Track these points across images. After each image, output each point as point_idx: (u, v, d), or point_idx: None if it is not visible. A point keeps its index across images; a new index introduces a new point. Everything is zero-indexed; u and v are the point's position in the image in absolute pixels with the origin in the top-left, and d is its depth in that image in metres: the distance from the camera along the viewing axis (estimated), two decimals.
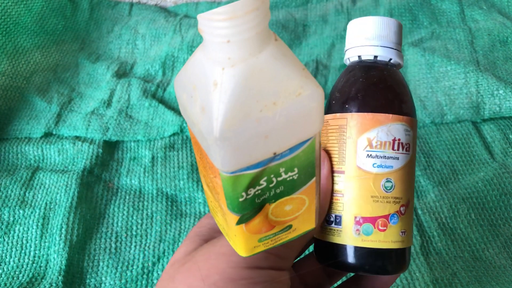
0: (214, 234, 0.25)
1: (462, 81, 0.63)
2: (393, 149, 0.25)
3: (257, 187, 0.18)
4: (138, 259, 0.51)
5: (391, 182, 0.25)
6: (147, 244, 0.52)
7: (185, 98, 0.18)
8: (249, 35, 0.15)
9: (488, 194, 0.51)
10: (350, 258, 0.25)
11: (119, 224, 0.54)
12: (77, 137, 0.64)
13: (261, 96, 0.16)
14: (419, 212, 0.51)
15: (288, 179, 0.19)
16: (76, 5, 0.83)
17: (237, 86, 0.15)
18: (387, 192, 0.25)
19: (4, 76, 0.69)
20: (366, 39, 0.27)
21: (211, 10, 0.15)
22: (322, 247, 0.27)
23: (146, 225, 0.54)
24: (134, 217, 0.55)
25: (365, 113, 0.25)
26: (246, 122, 0.16)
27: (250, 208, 0.19)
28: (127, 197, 0.57)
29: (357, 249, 0.25)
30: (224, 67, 0.16)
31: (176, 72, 0.74)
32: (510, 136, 0.58)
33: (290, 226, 0.21)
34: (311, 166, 0.19)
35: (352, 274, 0.32)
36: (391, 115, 0.25)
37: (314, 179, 0.20)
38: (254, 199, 0.19)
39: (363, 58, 0.27)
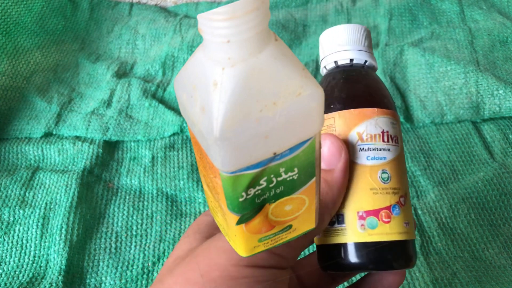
0: (213, 231, 0.24)
1: (462, 81, 0.63)
2: (383, 141, 0.25)
3: (257, 187, 0.18)
4: (138, 259, 0.51)
5: (387, 173, 0.25)
6: (147, 244, 0.52)
7: (185, 98, 0.18)
8: (249, 35, 0.15)
9: (488, 194, 0.51)
10: (358, 256, 0.24)
11: (119, 224, 0.54)
12: (77, 137, 0.64)
13: (261, 96, 0.16)
14: (419, 212, 0.51)
15: (288, 179, 0.19)
16: (76, 5, 0.83)
17: (237, 86, 0.15)
18: (384, 183, 0.25)
19: (4, 76, 0.69)
20: (339, 45, 0.28)
21: (211, 10, 0.15)
22: (326, 252, 0.26)
23: (146, 225, 0.54)
24: (134, 217, 0.55)
25: (352, 109, 0.26)
26: (246, 122, 0.16)
27: (250, 208, 0.19)
28: (127, 197, 0.57)
29: (365, 245, 0.24)
30: (224, 67, 0.16)
31: (176, 72, 0.74)
32: (510, 136, 0.58)
33: (290, 226, 0.21)
34: (311, 166, 0.19)
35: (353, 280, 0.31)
36: (376, 109, 0.26)
37: (314, 179, 0.20)
38: (254, 199, 0.19)
39: (339, 63, 0.28)
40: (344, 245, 0.25)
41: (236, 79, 0.15)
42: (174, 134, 0.64)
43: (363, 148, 0.25)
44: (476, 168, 0.55)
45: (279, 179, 0.18)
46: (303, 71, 0.17)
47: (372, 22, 0.76)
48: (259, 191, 0.18)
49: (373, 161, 0.25)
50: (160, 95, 0.70)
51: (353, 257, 0.25)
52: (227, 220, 0.20)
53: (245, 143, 0.16)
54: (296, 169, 0.18)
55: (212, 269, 0.21)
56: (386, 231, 0.24)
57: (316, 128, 0.18)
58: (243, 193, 0.18)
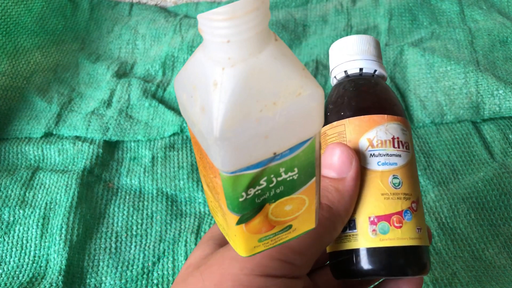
0: (226, 239, 0.24)
1: (462, 81, 0.63)
2: (393, 146, 0.26)
3: (257, 187, 0.18)
4: (138, 259, 0.51)
5: (398, 178, 0.25)
6: (147, 244, 0.52)
7: (185, 98, 0.18)
8: (249, 35, 0.15)
9: (488, 194, 0.51)
10: (370, 261, 0.24)
11: (119, 224, 0.54)
12: (77, 137, 0.64)
13: (261, 96, 0.16)
14: None
15: (288, 179, 0.19)
16: (76, 5, 0.83)
17: (237, 86, 0.15)
18: (396, 188, 0.25)
19: (4, 76, 0.69)
20: (349, 55, 0.28)
21: (211, 10, 0.15)
22: (337, 259, 0.26)
23: (146, 225, 0.54)
24: (134, 217, 0.55)
25: (362, 116, 0.26)
26: (246, 122, 0.16)
27: (250, 208, 0.19)
28: (127, 197, 0.57)
29: (376, 250, 0.24)
30: (224, 67, 0.16)
31: (176, 72, 0.74)
32: (510, 136, 0.58)
33: (290, 226, 0.21)
34: (311, 166, 0.19)
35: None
36: (386, 115, 0.26)
37: (314, 179, 0.20)
38: (254, 199, 0.19)
39: (349, 72, 0.28)
40: (355, 251, 0.25)
41: (236, 79, 0.15)
42: (174, 134, 0.64)
43: (373, 154, 0.25)
44: (476, 168, 0.55)
45: (279, 179, 0.18)
46: (303, 71, 0.17)
47: (372, 22, 0.76)
48: (259, 191, 0.18)
49: (383, 166, 0.25)
50: (160, 95, 0.70)
51: (364, 263, 0.24)
52: (227, 220, 0.20)
53: (245, 143, 0.16)
54: (296, 169, 0.18)
55: (225, 279, 0.21)
56: (398, 236, 0.24)
57: (316, 128, 0.18)
58: (243, 193, 0.18)
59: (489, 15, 0.71)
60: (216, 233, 0.25)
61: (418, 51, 0.67)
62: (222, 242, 0.24)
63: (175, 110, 0.67)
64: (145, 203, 0.56)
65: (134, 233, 0.53)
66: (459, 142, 0.59)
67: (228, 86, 0.15)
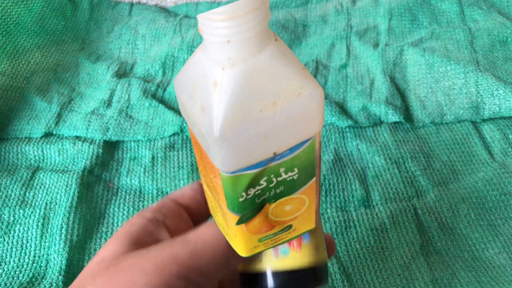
0: (144, 237, 0.24)
1: (462, 81, 0.63)
2: None
3: (257, 187, 0.18)
4: None
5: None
6: None
7: (185, 98, 0.18)
8: (249, 35, 0.15)
9: (488, 194, 0.51)
10: (272, 281, 0.24)
11: (119, 224, 0.54)
12: (77, 137, 0.64)
13: (261, 96, 0.16)
14: (419, 212, 0.51)
15: (288, 179, 0.19)
16: (76, 5, 0.83)
17: (237, 86, 0.15)
18: None
19: (4, 76, 0.69)
20: None
21: (211, 10, 0.15)
22: (245, 278, 0.26)
23: None
24: None
25: None
26: (246, 122, 0.16)
27: (250, 208, 0.19)
28: (127, 197, 0.57)
29: (279, 271, 0.24)
30: (224, 67, 0.16)
31: (176, 72, 0.74)
32: (510, 136, 0.58)
33: (290, 226, 0.21)
34: (311, 166, 0.19)
35: None
36: None
37: (314, 179, 0.20)
38: (254, 199, 0.19)
39: None
40: (261, 271, 0.25)
41: (236, 79, 0.15)
42: (174, 134, 0.64)
43: None
44: (476, 168, 0.55)
45: (279, 179, 0.18)
46: (303, 71, 0.17)
47: (372, 22, 0.76)
48: (259, 191, 0.18)
49: None
50: (160, 95, 0.70)
51: (269, 283, 0.24)
52: (227, 220, 0.20)
53: (245, 143, 0.16)
54: (296, 169, 0.18)
55: None
56: (297, 257, 0.24)
57: (316, 128, 0.18)
58: (243, 193, 0.18)
59: (489, 15, 0.71)
60: (134, 228, 0.24)
61: (418, 51, 0.67)
62: (138, 240, 0.23)
63: (175, 110, 0.67)
64: (145, 203, 0.56)
65: None
66: (459, 142, 0.59)
67: (228, 86, 0.15)
